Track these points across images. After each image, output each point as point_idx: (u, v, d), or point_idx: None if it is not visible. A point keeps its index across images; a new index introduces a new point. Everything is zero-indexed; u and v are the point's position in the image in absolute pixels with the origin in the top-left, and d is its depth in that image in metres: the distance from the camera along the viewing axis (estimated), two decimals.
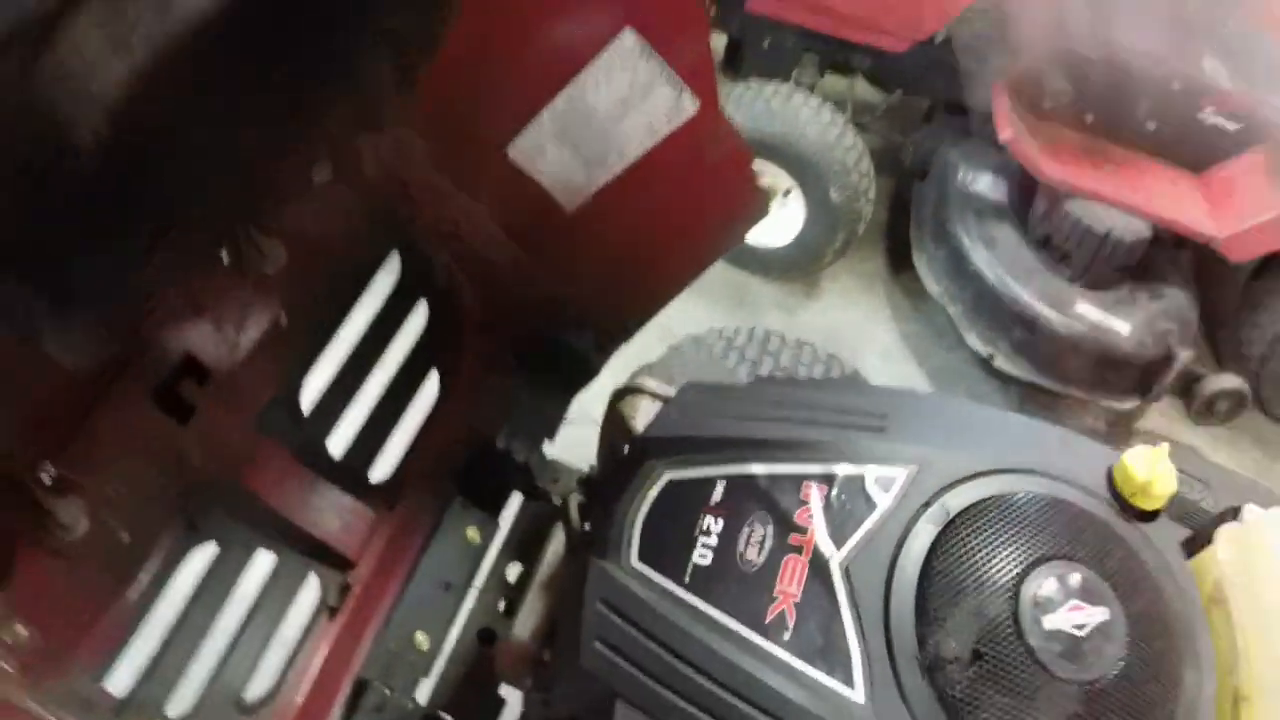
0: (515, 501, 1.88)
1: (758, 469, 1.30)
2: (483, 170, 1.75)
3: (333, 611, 1.65)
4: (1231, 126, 3.76)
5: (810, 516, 1.26)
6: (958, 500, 1.30)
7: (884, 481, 1.30)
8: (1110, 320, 3.56)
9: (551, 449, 1.90)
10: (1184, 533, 1.62)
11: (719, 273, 3.74)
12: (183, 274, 1.43)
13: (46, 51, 0.82)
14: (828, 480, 1.30)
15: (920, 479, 1.31)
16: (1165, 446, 1.43)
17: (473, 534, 1.77)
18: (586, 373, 1.90)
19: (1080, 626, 1.21)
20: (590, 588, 1.22)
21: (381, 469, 1.83)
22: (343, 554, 1.68)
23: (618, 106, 1.63)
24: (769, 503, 1.27)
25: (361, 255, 1.80)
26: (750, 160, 1.73)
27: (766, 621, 1.18)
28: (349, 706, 1.57)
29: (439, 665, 1.68)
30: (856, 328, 3.86)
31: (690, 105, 1.60)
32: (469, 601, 1.74)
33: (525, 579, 1.62)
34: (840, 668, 1.16)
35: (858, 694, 1.15)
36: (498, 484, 1.84)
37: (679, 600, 1.20)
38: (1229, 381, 3.76)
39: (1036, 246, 3.66)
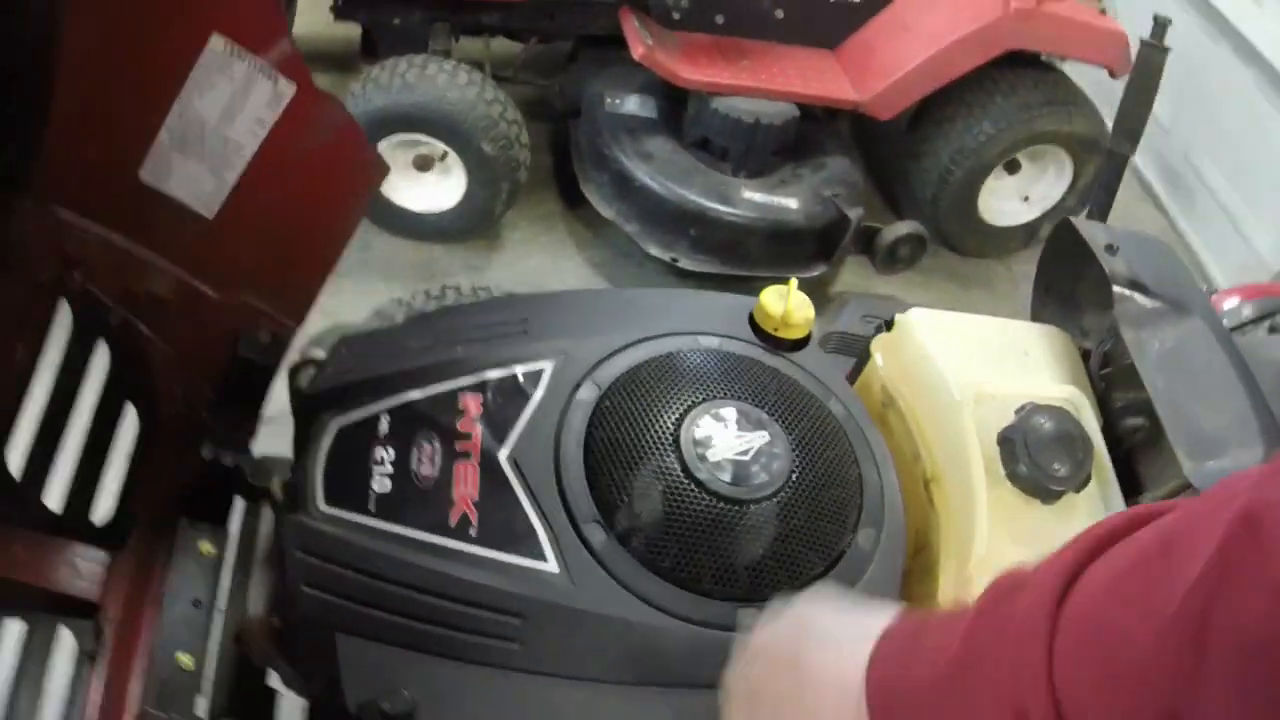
0: (240, 507, 1.86)
1: (416, 395, 1.37)
2: (123, 202, 1.74)
3: (93, 658, 1.63)
4: None
5: (472, 423, 1.34)
6: (606, 374, 1.39)
7: (532, 376, 1.38)
8: (777, 199, 3.68)
9: (261, 447, 1.88)
10: (850, 361, 1.76)
11: (403, 253, 3.75)
12: None
13: None
14: (481, 388, 1.37)
15: (566, 366, 1.40)
16: (794, 280, 1.54)
17: (206, 547, 1.75)
18: (270, 371, 1.89)
19: (744, 452, 1.30)
20: (286, 540, 1.26)
21: (102, 510, 1.80)
22: (86, 600, 1.67)
23: (225, 110, 1.66)
24: (431, 422, 1.34)
25: (31, 314, 1.77)
26: (358, 130, 1.76)
27: (452, 525, 1.25)
28: None
29: (209, 679, 1.65)
30: (546, 268, 3.88)
31: (287, 90, 1.64)
32: (219, 611, 1.73)
33: (250, 561, 1.64)
34: (529, 547, 1.24)
35: (551, 565, 1.23)
36: (216, 494, 1.83)
37: (369, 529, 1.25)
38: (904, 228, 3.89)
39: (694, 150, 3.75)
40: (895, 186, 4.52)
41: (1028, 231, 4.48)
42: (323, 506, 1.29)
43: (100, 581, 1.70)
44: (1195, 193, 5.01)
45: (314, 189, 1.81)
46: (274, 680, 1.68)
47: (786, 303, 1.50)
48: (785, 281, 1.55)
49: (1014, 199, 4.42)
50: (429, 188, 3.68)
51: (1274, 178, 4.52)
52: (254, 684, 1.69)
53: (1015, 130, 4.00)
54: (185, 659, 1.63)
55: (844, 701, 0.84)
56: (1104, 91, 4.10)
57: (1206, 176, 4.93)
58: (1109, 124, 3.35)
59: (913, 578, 1.45)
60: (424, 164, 3.63)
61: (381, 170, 1.80)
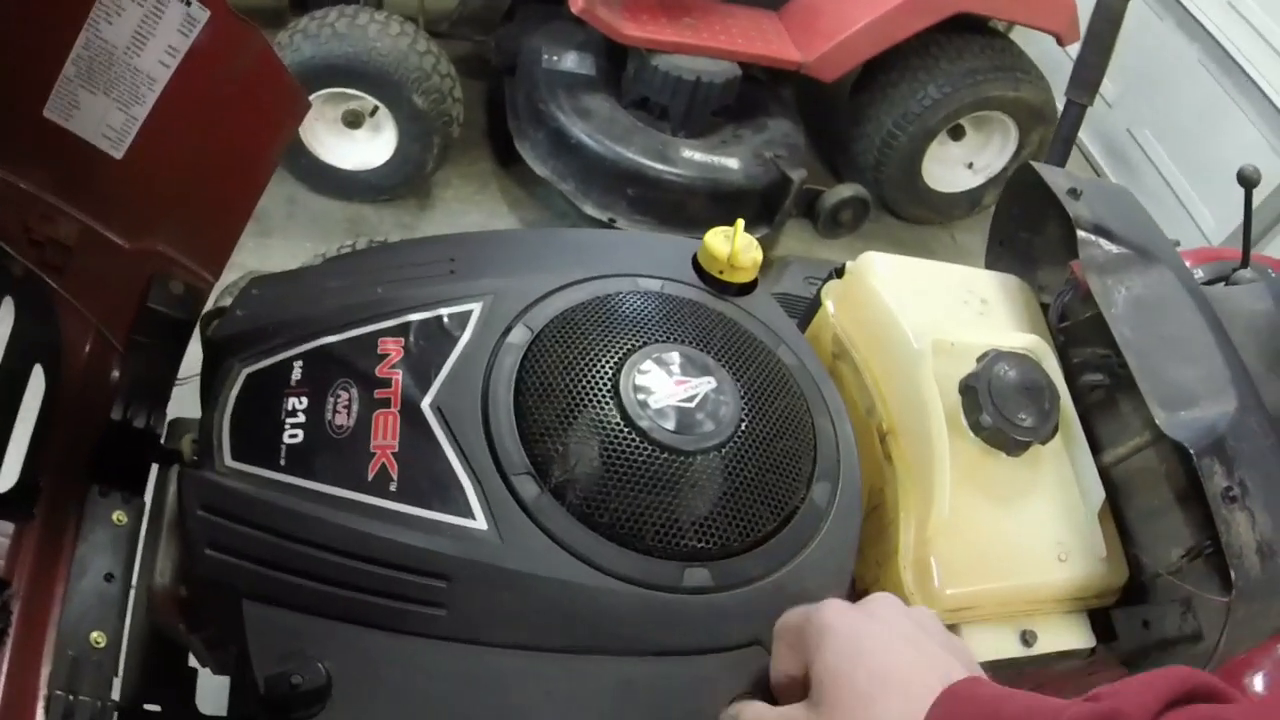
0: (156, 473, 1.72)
1: (331, 339, 1.25)
2: (27, 142, 1.63)
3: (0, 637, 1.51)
4: None
5: (392, 369, 1.22)
6: (539, 317, 1.28)
7: (459, 318, 1.27)
8: (717, 159, 3.62)
9: (179, 410, 1.79)
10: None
11: (331, 211, 3.66)
12: None
13: None
14: (403, 331, 1.25)
15: (496, 307, 1.29)
16: (740, 221, 1.43)
17: (119, 516, 1.62)
18: (185, 325, 1.79)
19: (689, 399, 1.19)
20: (188, 498, 1.14)
21: (6, 478, 1.65)
22: None
23: (135, 37, 1.54)
24: (348, 367, 1.22)
25: None
26: (278, 61, 1.65)
27: (370, 479, 1.13)
28: None
29: (124, 658, 1.55)
30: (478, 226, 3.80)
31: (201, 14, 1.53)
32: (134, 585, 1.61)
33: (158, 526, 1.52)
34: (455, 502, 1.12)
35: (479, 522, 1.11)
36: (128, 458, 1.70)
37: (279, 484, 1.13)
38: (847, 190, 3.87)
39: (634, 108, 3.68)
40: (838, 152, 4.46)
41: (971, 199, 4.48)
42: (229, 461, 1.17)
43: (5, 555, 1.56)
44: (1137, 166, 5.01)
45: (231, 125, 1.69)
46: (194, 658, 1.60)
47: (733, 244, 1.40)
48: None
49: (958, 166, 4.40)
50: (359, 144, 3.58)
51: (1216, 152, 4.54)
52: (172, 663, 1.60)
53: (961, 95, 3.96)
54: (98, 637, 1.51)
55: None
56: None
57: (1149, 150, 4.95)
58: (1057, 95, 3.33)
59: (867, 538, 1.36)
60: (354, 120, 3.53)
61: (304, 105, 1.69)
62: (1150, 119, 4.99)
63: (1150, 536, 1.42)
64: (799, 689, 0.92)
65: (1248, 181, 1.87)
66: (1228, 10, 4.57)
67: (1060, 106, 2.77)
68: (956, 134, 4.30)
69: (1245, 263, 1.99)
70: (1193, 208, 4.63)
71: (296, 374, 1.23)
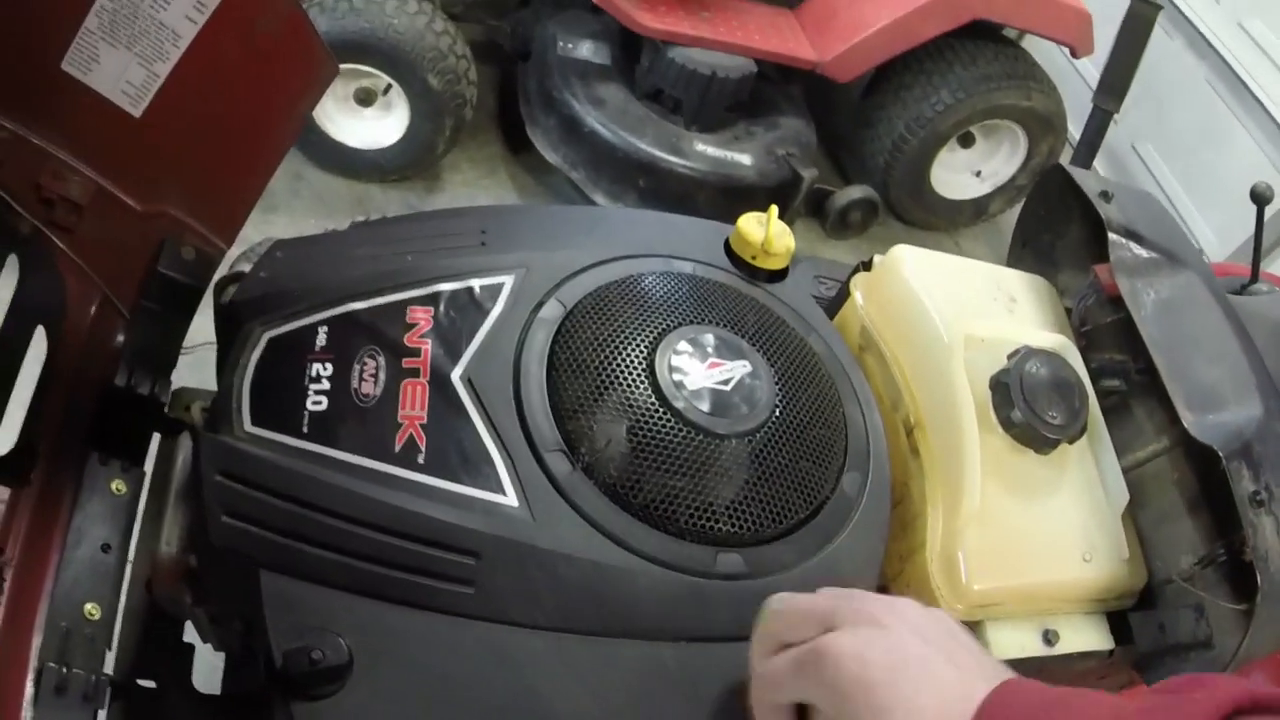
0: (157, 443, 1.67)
1: (358, 305, 1.22)
2: (42, 96, 1.57)
3: None
4: None
5: (421, 337, 1.19)
6: (572, 293, 1.26)
7: (491, 290, 1.25)
8: (730, 154, 3.60)
9: (183, 378, 1.71)
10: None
11: (336, 189, 3.63)
12: None
13: None
14: (432, 301, 1.23)
15: (529, 281, 1.26)
16: (774, 208, 1.44)
17: (118, 485, 1.56)
18: (195, 292, 1.73)
19: (725, 382, 1.18)
20: (205, 462, 1.10)
21: (4, 442, 1.61)
22: None
23: None
24: (375, 335, 1.19)
25: None
26: (307, 22, 1.62)
27: (396, 450, 1.10)
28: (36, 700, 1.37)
29: (118, 631, 1.49)
30: None
31: None
32: (131, 556, 1.56)
33: (164, 495, 1.48)
34: (485, 477, 1.10)
35: (510, 498, 1.09)
36: (129, 426, 1.64)
37: (301, 451, 1.10)
38: (857, 192, 3.87)
39: (647, 99, 3.66)
40: (846, 153, 4.46)
41: (978, 207, 4.47)
42: (249, 426, 1.14)
43: (1, 519, 1.52)
44: (1141, 181, 5.02)
45: (255, 86, 1.64)
46: (190, 634, 1.55)
47: (767, 229, 1.41)
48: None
49: (966, 173, 4.40)
50: (369, 122, 3.56)
51: (1219, 169, 4.56)
52: (168, 637, 1.55)
53: (973, 102, 3.95)
54: (92, 609, 1.46)
55: None
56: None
57: (1153, 166, 4.95)
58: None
59: (891, 533, 1.34)
60: (366, 98, 3.50)
61: (332, 70, 1.64)
62: (1155, 135, 5.00)
63: (1162, 542, 1.42)
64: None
65: (1261, 199, 1.87)
66: (1237, 31, 4.58)
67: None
68: (966, 141, 4.30)
69: (1255, 278, 1.99)
70: (1195, 225, 4.64)
71: (321, 339, 1.20)
